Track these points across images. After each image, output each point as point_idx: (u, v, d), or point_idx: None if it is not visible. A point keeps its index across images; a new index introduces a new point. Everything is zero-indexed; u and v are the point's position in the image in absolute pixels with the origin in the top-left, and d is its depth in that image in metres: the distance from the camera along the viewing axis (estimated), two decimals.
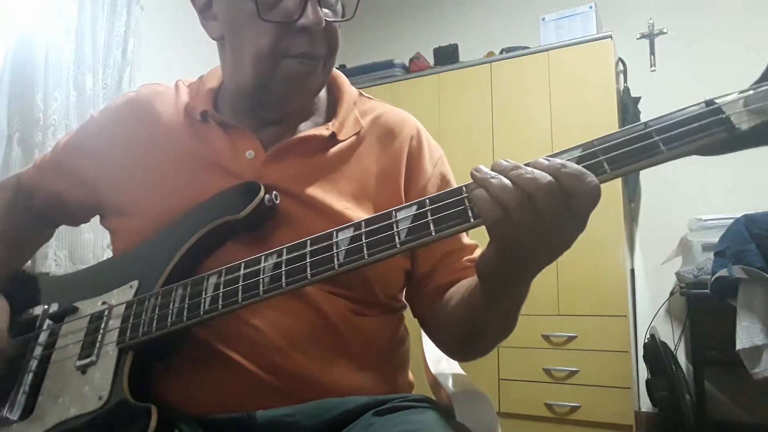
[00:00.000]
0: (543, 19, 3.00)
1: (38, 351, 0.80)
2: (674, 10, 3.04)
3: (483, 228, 0.57)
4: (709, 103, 0.53)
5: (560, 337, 2.67)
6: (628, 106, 2.90)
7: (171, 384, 0.74)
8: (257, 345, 0.72)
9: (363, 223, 0.63)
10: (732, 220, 2.37)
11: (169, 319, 0.70)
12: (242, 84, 0.81)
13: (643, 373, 2.78)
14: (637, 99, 2.96)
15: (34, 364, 0.79)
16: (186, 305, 0.70)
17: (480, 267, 0.64)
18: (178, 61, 2.52)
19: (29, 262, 1.18)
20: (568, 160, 0.55)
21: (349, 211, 0.78)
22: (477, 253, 0.86)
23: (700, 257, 2.54)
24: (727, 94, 0.53)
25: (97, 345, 0.74)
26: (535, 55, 2.94)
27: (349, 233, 0.64)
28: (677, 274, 2.69)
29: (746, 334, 2.18)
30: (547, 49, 2.92)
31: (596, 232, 2.42)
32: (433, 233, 0.59)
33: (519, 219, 0.54)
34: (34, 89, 2.01)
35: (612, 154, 0.55)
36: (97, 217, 0.93)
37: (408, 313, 0.90)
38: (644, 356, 2.73)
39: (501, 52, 3.11)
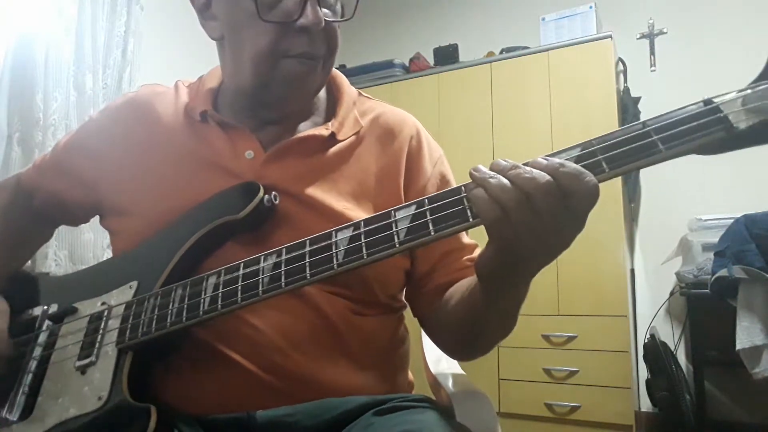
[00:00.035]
0: (543, 19, 3.00)
1: (38, 351, 0.80)
2: (674, 10, 3.04)
3: (482, 227, 0.57)
4: (707, 102, 0.53)
5: (560, 337, 2.67)
6: (628, 106, 2.90)
7: (170, 384, 0.74)
8: (257, 345, 0.72)
9: (362, 223, 0.63)
10: (732, 220, 2.37)
11: (168, 320, 0.70)
12: (242, 84, 0.81)
13: (643, 373, 2.78)
14: (637, 99, 2.96)
15: (33, 364, 0.79)
16: (185, 305, 0.70)
17: (479, 266, 0.64)
18: (178, 61, 2.52)
19: (29, 262, 1.18)
20: (566, 159, 0.55)
21: (349, 211, 0.78)
22: (476, 252, 0.86)
23: (700, 257, 2.54)
24: (725, 93, 0.53)
25: (97, 345, 0.74)
26: (535, 55, 2.94)
27: (348, 233, 0.64)
28: (677, 274, 2.69)
29: (746, 334, 2.18)
30: (547, 49, 2.92)
31: (596, 231, 2.44)
32: (432, 233, 0.59)
33: (518, 218, 0.54)
34: (34, 89, 2.01)
35: (610, 153, 0.55)
36: (97, 217, 0.93)
37: (408, 313, 0.90)
38: (644, 356, 2.73)
39: (501, 52, 3.11)
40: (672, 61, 3.02)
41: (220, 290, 0.68)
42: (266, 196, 0.75)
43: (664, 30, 3.05)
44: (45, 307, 0.84)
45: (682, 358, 2.80)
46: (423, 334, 0.95)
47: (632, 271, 2.98)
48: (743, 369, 2.20)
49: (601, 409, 2.53)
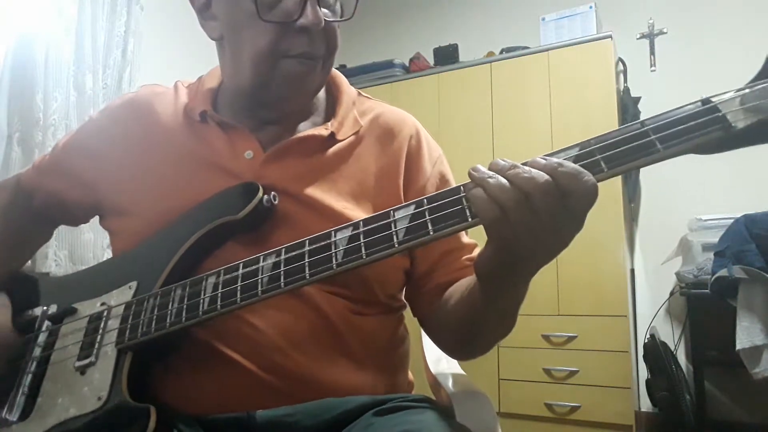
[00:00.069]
0: (543, 19, 3.00)
1: (37, 352, 0.80)
2: (674, 10, 3.04)
3: (481, 227, 0.57)
4: (705, 101, 0.53)
5: (560, 337, 2.67)
6: (628, 106, 2.90)
7: (170, 384, 0.74)
8: (257, 345, 0.72)
9: (361, 222, 0.64)
10: (732, 220, 2.37)
11: (168, 320, 0.70)
12: (241, 84, 0.81)
13: (643, 373, 2.78)
14: (637, 99, 2.96)
15: (33, 365, 0.79)
16: (185, 305, 0.70)
17: (478, 266, 0.64)
18: (178, 61, 2.53)
19: (29, 262, 1.18)
20: (565, 159, 0.55)
21: (349, 210, 0.78)
22: (476, 252, 0.86)
23: (700, 257, 2.54)
24: (723, 93, 0.53)
25: (96, 346, 0.74)
26: (535, 55, 2.94)
27: (348, 233, 0.64)
28: (677, 274, 2.69)
29: (746, 334, 2.18)
30: (547, 49, 2.92)
31: (596, 231, 2.45)
32: (431, 233, 0.59)
33: (516, 218, 0.54)
34: (34, 89, 2.01)
35: (609, 152, 0.55)
36: (97, 218, 0.93)
37: (408, 313, 0.90)
38: (644, 356, 2.73)
39: (501, 52, 3.11)
40: (672, 61, 3.02)
41: (220, 290, 0.68)
42: (266, 196, 0.75)
43: (664, 30, 3.05)
44: (45, 308, 0.84)
45: (682, 358, 2.80)
46: (423, 334, 0.95)
47: (632, 271, 2.98)
48: (743, 369, 2.19)
49: (601, 409, 2.53)
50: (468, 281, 0.76)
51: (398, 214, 0.61)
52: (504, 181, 0.55)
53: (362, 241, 0.62)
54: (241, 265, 0.69)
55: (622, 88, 3.00)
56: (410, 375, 0.91)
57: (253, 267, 0.67)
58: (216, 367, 0.73)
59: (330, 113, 0.88)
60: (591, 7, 2.88)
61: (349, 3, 0.81)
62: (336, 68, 0.89)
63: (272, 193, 0.76)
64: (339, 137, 0.84)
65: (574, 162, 0.55)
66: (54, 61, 2.08)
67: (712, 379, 2.64)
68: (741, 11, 2.89)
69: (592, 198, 0.53)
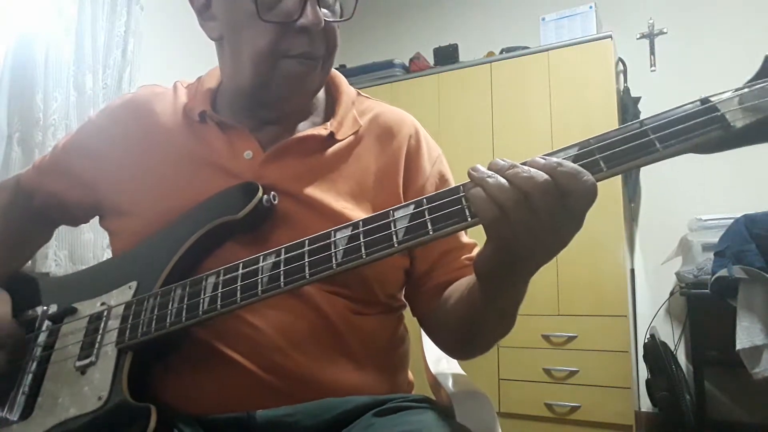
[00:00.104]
0: (543, 19, 3.00)
1: (37, 352, 0.80)
2: (674, 10, 3.04)
3: (481, 227, 0.57)
4: (704, 101, 0.53)
5: (560, 337, 2.67)
6: (628, 106, 2.90)
7: (170, 384, 0.74)
8: (257, 344, 0.72)
9: (361, 222, 0.64)
10: (732, 220, 2.37)
11: (168, 320, 0.70)
12: (241, 84, 0.81)
13: (643, 373, 2.78)
14: (637, 99, 2.96)
15: (33, 364, 0.79)
16: (185, 305, 0.70)
17: (477, 266, 0.64)
18: (178, 61, 2.52)
19: (29, 262, 1.18)
20: (564, 158, 0.55)
21: (348, 210, 0.78)
22: (475, 251, 0.86)
23: (700, 257, 2.54)
24: (722, 92, 0.53)
25: (97, 345, 0.74)
26: (535, 55, 2.94)
27: (347, 233, 0.64)
28: (677, 274, 2.69)
29: (746, 334, 2.18)
30: (547, 49, 2.92)
31: (596, 231, 2.45)
32: (431, 232, 0.59)
33: (516, 218, 0.54)
34: (34, 89, 2.01)
35: (608, 152, 0.55)
36: (97, 218, 0.93)
37: (408, 313, 0.90)
38: (644, 356, 2.73)
39: (501, 52, 3.11)
40: (672, 61, 3.02)
41: (220, 290, 0.68)
42: (265, 196, 0.75)
43: (664, 30, 3.05)
44: (45, 308, 0.84)
45: (682, 358, 2.80)
46: (423, 334, 0.95)
47: (632, 271, 2.98)
48: (743, 369, 2.19)
49: (601, 409, 2.53)
50: (467, 281, 0.76)
51: (398, 214, 0.62)
52: (503, 180, 0.55)
53: (362, 240, 0.62)
54: (240, 264, 0.69)
55: (622, 88, 3.00)
56: (410, 375, 0.91)
57: (253, 267, 0.68)
58: (216, 367, 0.73)
59: (329, 113, 0.88)
60: (591, 7, 2.88)
61: (349, 3, 0.81)
62: (336, 68, 0.89)
63: (272, 192, 0.76)
64: (338, 137, 0.84)
65: (574, 162, 0.55)
66: (54, 61, 2.08)
67: (712, 379, 2.64)
68: (741, 11, 2.89)
69: (591, 197, 0.53)
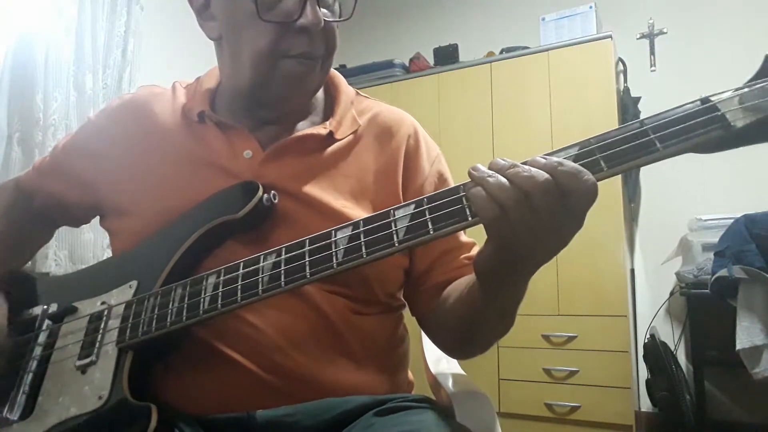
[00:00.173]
0: (543, 19, 3.00)
1: (38, 351, 0.80)
2: (674, 10, 3.04)
3: (481, 226, 0.57)
4: (705, 100, 0.53)
5: (560, 337, 2.67)
6: (628, 106, 2.90)
7: (171, 383, 0.74)
8: (257, 344, 0.72)
9: (361, 222, 0.64)
10: (732, 220, 2.37)
11: (168, 319, 0.70)
12: (240, 84, 0.81)
13: (643, 373, 2.78)
14: (637, 99, 2.96)
15: (33, 364, 0.79)
16: (185, 305, 0.70)
17: (477, 265, 0.64)
18: (178, 61, 2.52)
19: (29, 262, 1.18)
20: (565, 158, 0.55)
21: (348, 209, 0.78)
22: (474, 251, 0.86)
23: (700, 257, 2.54)
24: (723, 92, 0.53)
25: (97, 345, 0.74)
26: (535, 55, 2.94)
27: (348, 232, 0.64)
28: (677, 274, 2.69)
29: (746, 334, 2.18)
30: (547, 49, 2.92)
31: (596, 231, 2.45)
32: (431, 232, 0.59)
33: (516, 217, 0.54)
34: (34, 89, 2.01)
35: (608, 152, 0.55)
36: (97, 217, 0.93)
37: (407, 313, 0.90)
38: (644, 356, 2.73)
39: (501, 52, 3.11)
40: (672, 61, 3.02)
41: (220, 290, 0.68)
42: (265, 195, 0.75)
43: (664, 30, 3.05)
44: (45, 307, 0.84)
45: (682, 358, 2.80)
46: (423, 333, 0.95)
47: (632, 271, 2.98)
48: (743, 369, 2.19)
49: (601, 409, 2.53)
50: (467, 280, 0.76)
51: (398, 214, 0.62)
52: (504, 180, 0.55)
53: (362, 240, 0.62)
54: (241, 264, 0.69)
55: (622, 88, 3.00)
56: (410, 375, 0.91)
57: (254, 266, 0.68)
58: (216, 367, 0.73)
59: (328, 113, 0.88)
60: (591, 7, 2.88)
61: (348, 3, 0.81)
62: (336, 68, 0.89)
63: (272, 192, 0.76)
64: (337, 136, 0.84)
65: (574, 161, 0.55)
66: (54, 61, 2.08)
67: (712, 379, 2.64)
68: (741, 11, 2.89)
69: (591, 197, 0.54)
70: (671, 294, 2.83)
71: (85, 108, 2.19)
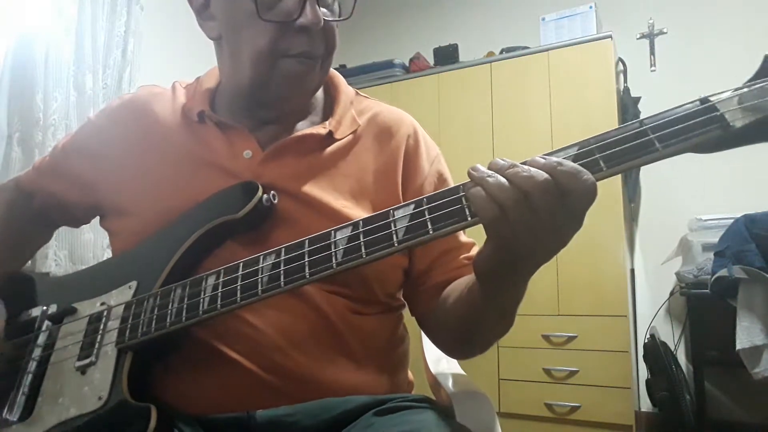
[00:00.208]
0: (543, 19, 3.00)
1: (37, 352, 0.80)
2: (674, 10, 3.04)
3: (481, 226, 0.57)
4: (704, 100, 0.53)
5: (560, 337, 2.67)
6: (628, 106, 2.90)
7: (170, 384, 0.74)
8: (257, 344, 0.72)
9: (361, 222, 0.64)
10: (732, 220, 2.36)
11: (168, 320, 0.70)
12: (240, 83, 0.81)
13: (643, 373, 2.78)
14: (637, 99, 2.96)
15: (33, 365, 0.79)
16: (185, 305, 0.70)
17: (477, 265, 0.64)
18: (178, 61, 2.52)
19: (29, 262, 1.18)
20: (564, 158, 0.55)
21: (347, 209, 0.78)
22: (474, 251, 0.86)
23: (700, 257, 2.54)
24: (722, 92, 0.53)
25: (96, 345, 0.74)
26: (535, 55, 2.94)
27: (347, 232, 0.64)
28: (677, 274, 2.69)
29: (746, 334, 2.18)
30: (547, 49, 2.92)
31: (596, 232, 2.45)
32: (431, 232, 0.59)
33: (515, 217, 0.54)
34: (34, 89, 2.01)
35: (608, 152, 0.55)
36: (97, 218, 0.93)
37: (407, 313, 0.90)
38: (644, 356, 2.72)
39: (501, 52, 3.11)
40: (672, 61, 3.02)
41: (220, 290, 0.68)
42: (265, 196, 0.75)
43: (664, 30, 3.05)
44: (44, 308, 0.84)
45: (682, 358, 2.80)
46: (423, 334, 0.95)
47: (632, 271, 2.97)
48: (743, 369, 2.19)
49: (601, 409, 2.53)
50: (467, 280, 0.76)
51: (398, 214, 0.62)
52: (503, 180, 0.55)
53: (362, 240, 0.62)
54: (241, 264, 0.69)
55: (622, 88, 3.00)
56: (410, 375, 0.91)
57: (253, 267, 0.68)
58: (216, 367, 0.73)
59: (328, 112, 0.88)
60: (591, 7, 2.88)
61: (348, 2, 0.81)
62: (336, 68, 0.89)
63: (272, 192, 0.76)
64: (337, 136, 0.84)
65: (574, 161, 0.55)
66: (54, 61, 2.08)
67: (712, 379, 2.64)
68: (741, 11, 2.89)
69: (591, 197, 0.54)
70: (671, 294, 2.83)
71: (85, 108, 2.19)
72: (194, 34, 0.87)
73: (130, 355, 0.71)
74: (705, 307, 2.50)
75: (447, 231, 0.59)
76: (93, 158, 0.89)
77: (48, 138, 2.01)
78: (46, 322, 0.82)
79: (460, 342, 0.83)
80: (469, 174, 0.57)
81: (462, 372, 0.99)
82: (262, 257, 0.68)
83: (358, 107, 0.90)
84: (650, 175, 2.97)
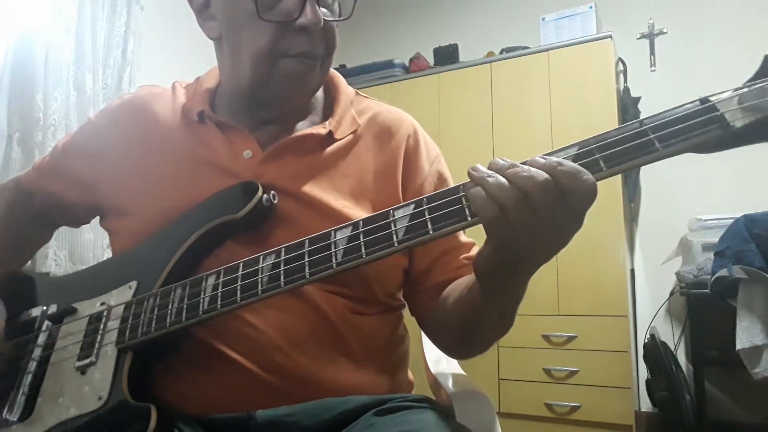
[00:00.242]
0: (543, 19, 3.00)
1: (37, 352, 0.80)
2: (674, 10, 3.04)
3: (481, 226, 0.57)
4: (704, 100, 0.53)
5: (560, 337, 2.67)
6: (628, 106, 2.90)
7: (170, 384, 0.74)
8: (257, 344, 0.72)
9: (361, 222, 0.64)
10: (732, 220, 2.37)
11: (168, 320, 0.70)
12: (240, 83, 0.81)
13: (643, 373, 2.78)
14: (637, 99, 2.96)
15: (33, 365, 0.79)
16: (185, 305, 0.70)
17: (477, 265, 0.64)
18: (178, 61, 2.52)
19: (29, 262, 1.18)
20: (564, 158, 0.55)
21: (347, 209, 0.78)
22: (474, 251, 0.86)
23: (700, 257, 2.54)
24: (722, 92, 0.53)
25: (96, 345, 0.74)
26: (535, 55, 2.94)
27: (347, 232, 0.64)
28: (677, 274, 2.69)
29: (746, 334, 2.18)
30: (547, 49, 2.92)
31: (596, 232, 2.45)
32: (431, 232, 0.59)
33: (515, 217, 0.54)
34: (34, 89, 2.01)
35: (608, 152, 0.55)
36: (97, 218, 0.93)
37: (407, 313, 0.90)
38: (644, 356, 2.72)
39: (501, 52, 3.11)
40: (672, 61, 3.02)
41: (220, 290, 0.68)
42: (265, 196, 0.75)
43: (664, 30, 3.05)
44: (44, 308, 0.84)
45: (682, 358, 2.80)
46: (423, 334, 0.95)
47: (632, 271, 2.97)
48: (743, 369, 2.19)
49: (601, 409, 2.53)
50: (466, 280, 0.76)
51: (398, 214, 0.62)
52: (503, 180, 0.55)
53: (362, 240, 0.62)
54: (240, 264, 0.69)
55: (622, 88, 3.00)
56: (410, 375, 0.91)
57: (253, 267, 0.68)
58: (216, 367, 0.73)
59: (328, 112, 0.88)
60: (591, 7, 2.88)
61: (348, 2, 0.81)
62: (336, 68, 0.89)
63: (272, 192, 0.76)
64: (337, 136, 0.84)
65: (574, 161, 0.55)
66: (54, 61, 2.08)
67: (712, 379, 2.64)
68: (741, 11, 2.89)
69: (591, 197, 0.54)
70: (671, 294, 2.83)
71: (85, 108, 2.19)
72: (194, 34, 0.87)
73: (130, 355, 0.71)
74: (705, 307, 2.50)
75: (447, 231, 0.59)
76: (93, 158, 0.89)
77: (48, 138, 2.01)
78: (46, 322, 0.82)
79: (460, 342, 0.83)
80: (469, 174, 0.57)
81: (462, 372, 0.99)
82: (262, 257, 0.68)
83: (358, 107, 0.90)
84: (650, 175, 2.97)
